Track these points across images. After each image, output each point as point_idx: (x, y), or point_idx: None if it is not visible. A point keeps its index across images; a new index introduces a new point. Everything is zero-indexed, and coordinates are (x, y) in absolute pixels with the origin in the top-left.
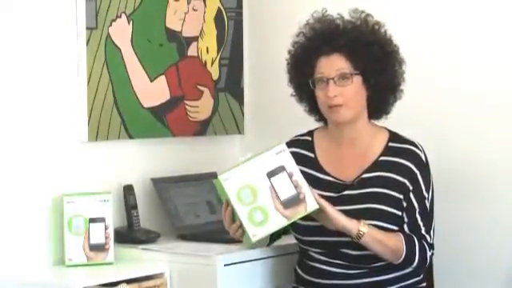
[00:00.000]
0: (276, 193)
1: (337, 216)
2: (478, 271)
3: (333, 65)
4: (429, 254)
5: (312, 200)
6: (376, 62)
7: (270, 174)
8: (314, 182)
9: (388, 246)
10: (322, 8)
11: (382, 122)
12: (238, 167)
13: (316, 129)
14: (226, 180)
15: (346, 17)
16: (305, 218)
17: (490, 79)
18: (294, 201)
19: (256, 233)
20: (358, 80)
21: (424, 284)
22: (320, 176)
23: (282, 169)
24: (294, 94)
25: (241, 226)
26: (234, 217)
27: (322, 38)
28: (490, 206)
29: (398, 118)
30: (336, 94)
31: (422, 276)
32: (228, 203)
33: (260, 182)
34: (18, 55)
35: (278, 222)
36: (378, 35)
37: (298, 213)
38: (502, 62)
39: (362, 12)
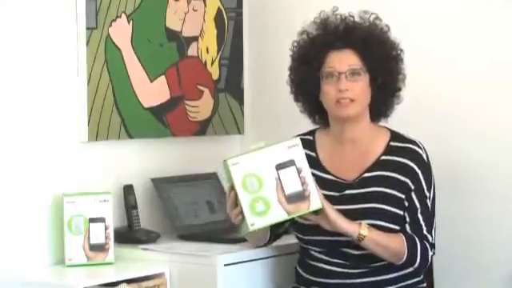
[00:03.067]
0: (281, 186)
1: (338, 220)
2: (478, 271)
3: (344, 60)
4: (430, 253)
5: (316, 199)
6: (386, 61)
7: (279, 167)
8: (315, 182)
9: (389, 248)
10: (333, 6)
11: (382, 121)
12: (248, 154)
13: (317, 128)
14: (233, 165)
15: (356, 18)
16: (306, 218)
17: (489, 78)
18: (299, 197)
19: (254, 222)
20: (366, 78)
21: (424, 284)
22: (322, 175)
23: (291, 163)
24: (292, 91)
25: (241, 212)
26: (236, 202)
27: (336, 32)
28: (490, 205)
29: (399, 116)
30: (347, 88)
31: (422, 276)
32: (232, 188)
33: (267, 173)
34: (18, 55)
35: (279, 215)
36: (387, 36)
37: (300, 209)
38: (501, 61)
39: (372, 14)
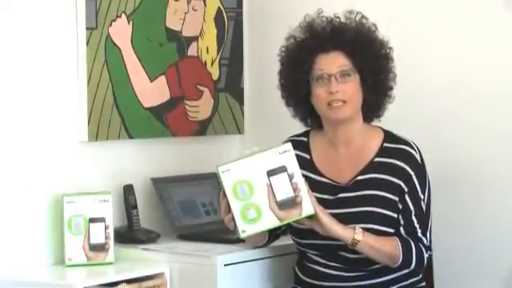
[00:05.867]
0: (273, 192)
1: (331, 225)
2: (478, 271)
3: (333, 62)
4: (425, 255)
5: (309, 205)
6: (375, 60)
7: (270, 173)
8: (309, 184)
9: (384, 252)
10: (318, 8)
11: (378, 123)
12: (239, 161)
13: (312, 129)
14: (224, 172)
15: (341, 18)
16: (300, 223)
17: (488, 78)
18: (290, 203)
19: (246, 229)
20: (356, 78)
21: (423, 284)
22: (315, 178)
23: (283, 169)
24: (283, 96)
25: (233, 218)
26: (229, 207)
27: (323, 34)
28: (490, 205)
29: (395, 118)
30: (338, 90)
31: (420, 276)
32: (225, 194)
33: (258, 179)
34: (18, 55)
35: (270, 221)
36: (375, 35)
37: (292, 216)
38: (500, 61)
39: (358, 13)
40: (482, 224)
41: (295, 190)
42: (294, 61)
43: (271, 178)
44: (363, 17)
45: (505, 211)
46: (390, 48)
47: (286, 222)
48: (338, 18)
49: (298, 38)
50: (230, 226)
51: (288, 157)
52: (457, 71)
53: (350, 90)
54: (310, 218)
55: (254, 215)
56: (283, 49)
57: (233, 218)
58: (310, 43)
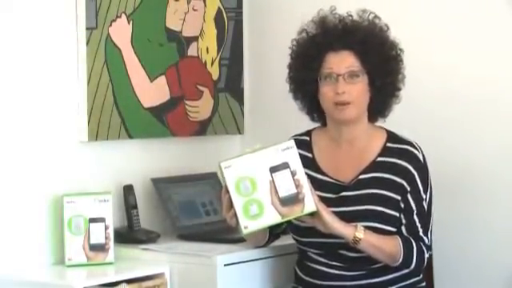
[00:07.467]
0: (275, 188)
1: (333, 222)
2: (478, 271)
3: (342, 61)
4: (426, 255)
5: (311, 202)
6: (385, 62)
7: (273, 169)
8: (311, 183)
9: (385, 251)
10: (331, 6)
11: (381, 123)
12: (241, 157)
13: (314, 128)
14: (226, 168)
15: (354, 17)
16: (301, 220)
17: (488, 80)
18: (293, 200)
19: (248, 225)
20: (365, 79)
21: (423, 284)
22: (318, 176)
23: (285, 165)
24: (291, 89)
25: (235, 215)
26: (231, 204)
27: (334, 33)
28: (490, 206)
29: (398, 119)
30: (345, 90)
31: (421, 276)
32: (227, 190)
33: (261, 176)
34: (18, 55)
35: (273, 217)
36: (387, 35)
37: (294, 212)
38: (502, 64)
39: (371, 13)
40: (482, 225)
41: (297, 186)
42: (304, 56)
43: (274, 174)
44: (376, 16)
45: (505, 211)
46: (401, 49)
47: (288, 219)
48: (351, 16)
49: (309, 32)
50: (232, 223)
51: (290, 153)
52: (458, 75)
53: (357, 91)
54: (312, 215)
55: (256, 211)
56: (294, 42)
57: (235, 214)
58: (321, 40)
